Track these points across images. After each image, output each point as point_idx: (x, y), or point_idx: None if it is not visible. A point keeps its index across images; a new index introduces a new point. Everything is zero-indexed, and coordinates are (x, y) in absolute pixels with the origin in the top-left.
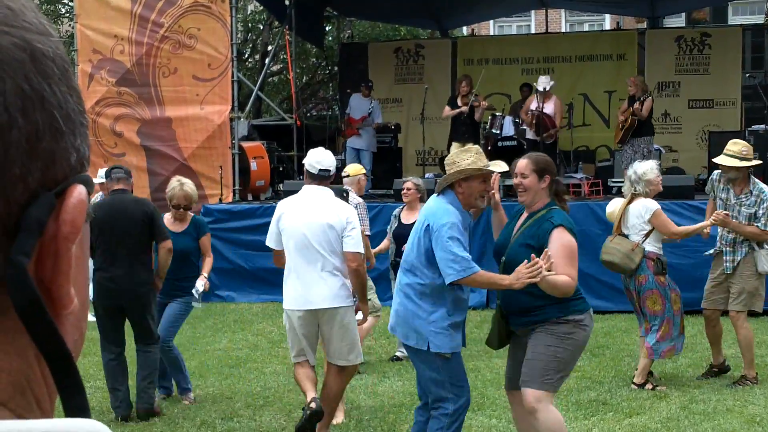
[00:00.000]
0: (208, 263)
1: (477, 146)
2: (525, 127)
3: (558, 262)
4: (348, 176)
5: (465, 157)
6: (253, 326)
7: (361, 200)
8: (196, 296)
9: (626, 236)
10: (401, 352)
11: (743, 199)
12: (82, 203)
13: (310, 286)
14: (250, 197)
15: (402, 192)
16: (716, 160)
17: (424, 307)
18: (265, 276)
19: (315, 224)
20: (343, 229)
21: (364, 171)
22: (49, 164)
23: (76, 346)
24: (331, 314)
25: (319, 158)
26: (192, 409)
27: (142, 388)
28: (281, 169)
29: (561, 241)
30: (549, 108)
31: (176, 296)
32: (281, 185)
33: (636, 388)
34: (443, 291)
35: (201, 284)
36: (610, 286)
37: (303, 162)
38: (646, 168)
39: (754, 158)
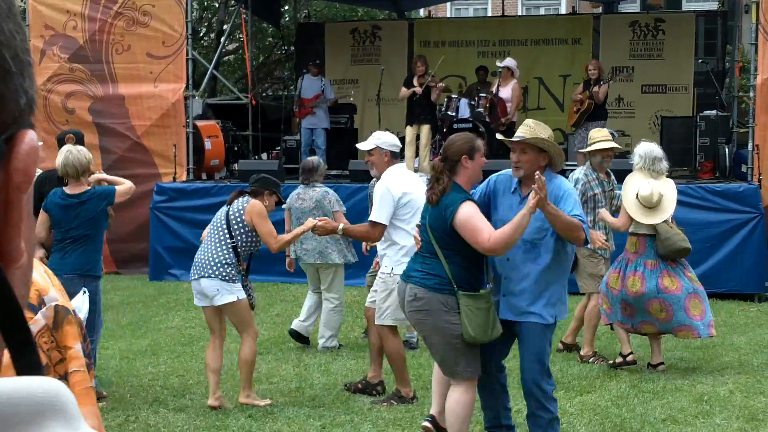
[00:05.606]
0: None
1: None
2: (481, 109)
3: None
4: None
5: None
6: None
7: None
8: None
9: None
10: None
11: (615, 182)
12: (34, 150)
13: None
14: (204, 176)
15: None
16: (603, 146)
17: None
18: None
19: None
20: None
21: None
22: None
23: (23, 302)
24: None
25: (394, 139)
26: (144, 386)
27: None
28: (236, 148)
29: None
30: (506, 93)
31: None
32: (236, 165)
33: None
34: None
35: None
36: None
37: (377, 144)
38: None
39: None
